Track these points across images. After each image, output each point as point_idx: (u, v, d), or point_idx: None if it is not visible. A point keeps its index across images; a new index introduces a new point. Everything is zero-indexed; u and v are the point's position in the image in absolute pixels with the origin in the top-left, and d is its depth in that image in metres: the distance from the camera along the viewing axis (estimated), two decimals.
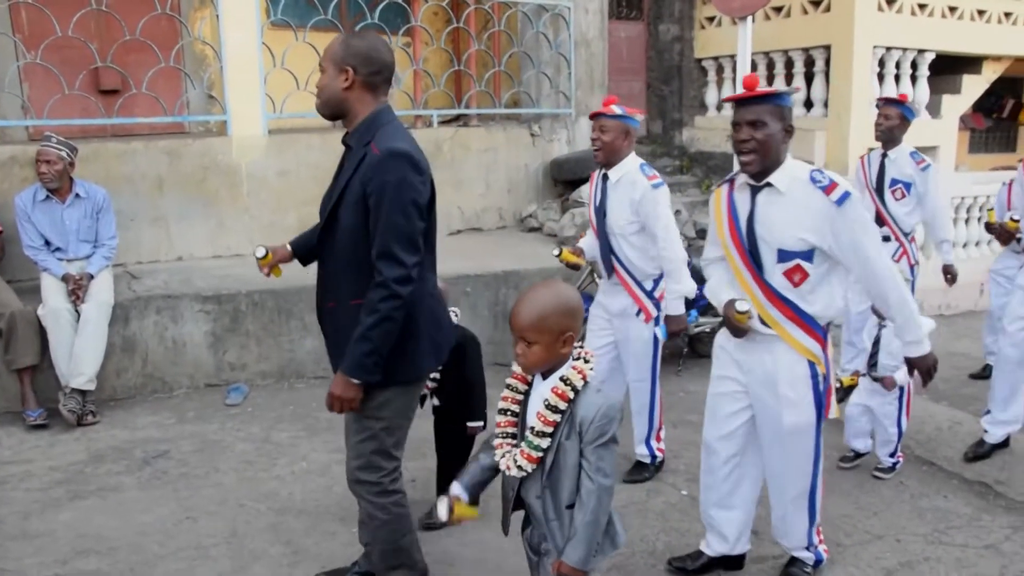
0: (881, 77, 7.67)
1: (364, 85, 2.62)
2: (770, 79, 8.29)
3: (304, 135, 6.66)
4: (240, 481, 4.11)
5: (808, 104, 8.00)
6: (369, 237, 2.56)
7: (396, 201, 2.52)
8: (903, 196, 5.10)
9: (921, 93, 7.84)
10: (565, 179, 7.82)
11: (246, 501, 3.89)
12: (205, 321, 5.36)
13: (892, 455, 4.27)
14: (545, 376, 2.21)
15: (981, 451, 4.37)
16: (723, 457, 3.17)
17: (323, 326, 2.84)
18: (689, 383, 5.67)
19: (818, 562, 3.25)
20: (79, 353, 4.75)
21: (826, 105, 7.78)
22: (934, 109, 8.03)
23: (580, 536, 2.12)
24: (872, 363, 4.22)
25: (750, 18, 6.18)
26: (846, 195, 2.76)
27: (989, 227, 4.94)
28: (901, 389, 4.20)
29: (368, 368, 2.55)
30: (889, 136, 5.09)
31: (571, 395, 2.14)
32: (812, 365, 2.94)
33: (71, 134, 5.66)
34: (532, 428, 2.17)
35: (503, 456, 2.25)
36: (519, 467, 2.19)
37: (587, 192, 5.20)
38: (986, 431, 4.41)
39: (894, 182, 5.11)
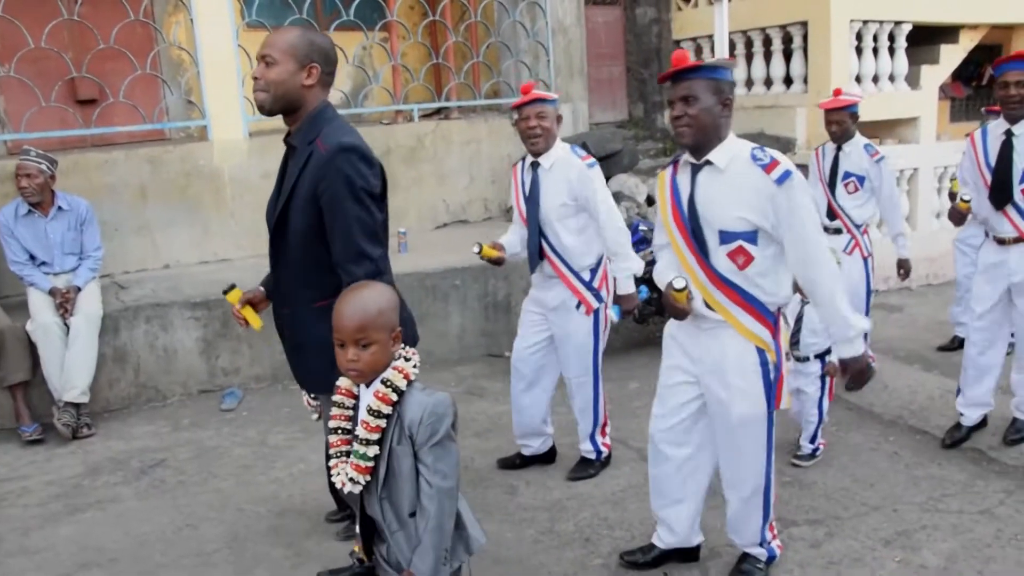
0: (859, 50, 7.68)
1: (322, 83, 2.63)
2: (749, 57, 8.30)
3: None
4: (239, 486, 4.11)
5: (788, 81, 8.00)
6: (323, 238, 2.53)
7: (352, 195, 2.50)
8: (856, 189, 5.05)
9: (900, 65, 7.85)
10: None
11: (245, 505, 3.90)
12: (196, 327, 5.35)
13: (812, 440, 4.10)
14: (369, 384, 2.10)
15: (958, 436, 4.27)
16: (674, 462, 3.06)
17: (280, 332, 2.82)
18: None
19: (771, 558, 3.13)
20: (70, 366, 4.74)
21: (805, 81, 7.79)
22: (913, 80, 8.03)
23: (426, 544, 2.02)
24: (794, 342, 4.03)
25: None
26: (787, 174, 2.66)
27: (952, 196, 4.90)
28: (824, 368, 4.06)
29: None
30: (845, 136, 5.08)
31: (394, 397, 2.04)
32: (761, 352, 2.83)
33: (50, 146, 5.64)
34: (357, 437, 2.08)
35: (337, 475, 2.14)
36: (352, 480, 2.08)
37: None
38: (962, 414, 4.31)
39: (847, 175, 5.07)
